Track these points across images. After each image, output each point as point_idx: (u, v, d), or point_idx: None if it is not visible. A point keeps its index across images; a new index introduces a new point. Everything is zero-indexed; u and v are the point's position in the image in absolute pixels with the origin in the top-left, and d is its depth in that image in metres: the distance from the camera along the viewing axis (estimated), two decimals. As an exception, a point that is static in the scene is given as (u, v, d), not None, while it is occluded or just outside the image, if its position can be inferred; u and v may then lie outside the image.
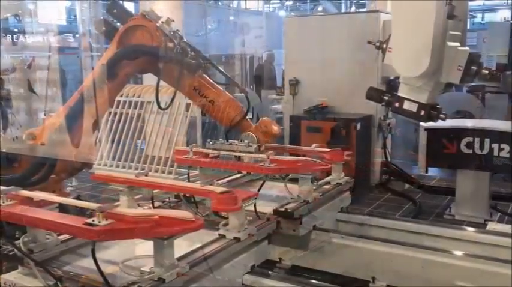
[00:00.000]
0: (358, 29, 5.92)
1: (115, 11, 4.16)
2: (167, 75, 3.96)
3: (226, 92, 4.09)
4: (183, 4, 9.13)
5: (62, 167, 4.15)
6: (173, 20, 4.02)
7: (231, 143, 3.77)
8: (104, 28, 4.18)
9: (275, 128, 3.93)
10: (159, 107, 4.26)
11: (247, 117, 4.03)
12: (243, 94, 4.34)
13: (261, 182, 3.60)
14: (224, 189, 2.74)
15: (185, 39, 3.97)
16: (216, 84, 4.05)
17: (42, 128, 3.99)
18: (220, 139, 3.87)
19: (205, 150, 3.86)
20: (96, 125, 4.07)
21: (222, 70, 4.47)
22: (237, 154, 3.72)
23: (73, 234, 2.46)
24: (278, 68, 14.36)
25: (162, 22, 3.91)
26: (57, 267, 2.46)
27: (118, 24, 4.13)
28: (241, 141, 3.79)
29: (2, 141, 4.34)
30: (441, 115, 3.57)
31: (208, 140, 3.98)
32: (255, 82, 14.49)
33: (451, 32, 3.34)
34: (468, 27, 3.84)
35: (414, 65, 3.33)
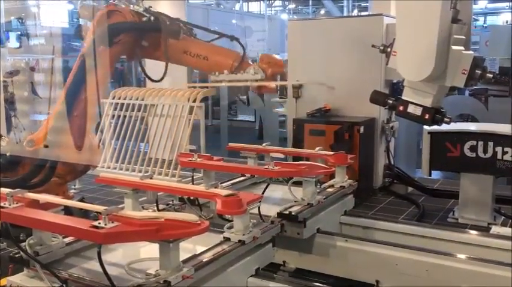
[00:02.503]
0: (361, 32, 5.92)
1: (86, 13, 4.18)
2: (153, 50, 3.93)
3: (217, 44, 4.07)
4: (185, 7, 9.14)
5: (64, 169, 4.16)
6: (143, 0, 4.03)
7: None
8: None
9: (277, 57, 3.90)
10: (149, 78, 4.20)
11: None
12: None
13: (265, 185, 3.60)
14: (229, 192, 2.74)
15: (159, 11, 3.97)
16: (203, 41, 4.02)
17: (40, 130, 4.01)
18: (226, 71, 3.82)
19: (214, 84, 3.79)
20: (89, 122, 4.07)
21: (205, 27, 4.43)
22: (243, 84, 3.68)
23: (80, 237, 2.47)
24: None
25: (133, 4, 3.94)
26: (63, 269, 2.46)
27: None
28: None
29: (6, 144, 4.36)
30: (446, 119, 3.58)
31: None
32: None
33: (455, 36, 3.35)
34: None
35: (419, 68, 3.34)
